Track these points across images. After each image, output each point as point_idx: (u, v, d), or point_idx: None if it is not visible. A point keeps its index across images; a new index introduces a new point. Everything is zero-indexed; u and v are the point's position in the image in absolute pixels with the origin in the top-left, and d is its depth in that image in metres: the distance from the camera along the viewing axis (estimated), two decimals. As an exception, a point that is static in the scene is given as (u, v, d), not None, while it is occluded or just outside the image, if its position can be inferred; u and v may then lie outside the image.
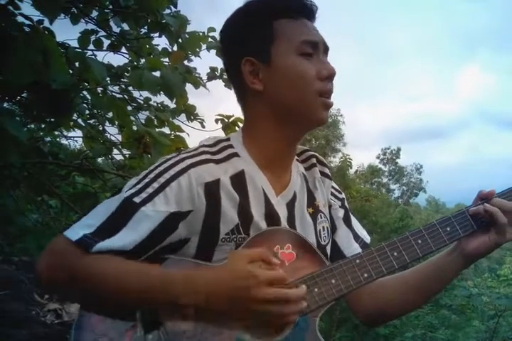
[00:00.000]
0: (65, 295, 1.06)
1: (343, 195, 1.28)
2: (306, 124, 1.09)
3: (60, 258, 0.94)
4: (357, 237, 1.25)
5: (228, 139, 1.10)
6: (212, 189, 0.99)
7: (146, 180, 0.99)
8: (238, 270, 0.88)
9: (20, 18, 1.65)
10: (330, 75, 1.05)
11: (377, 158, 37.79)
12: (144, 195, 0.96)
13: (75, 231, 0.94)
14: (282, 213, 1.08)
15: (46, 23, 1.76)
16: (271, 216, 1.05)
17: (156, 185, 0.97)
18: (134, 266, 0.93)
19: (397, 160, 37.61)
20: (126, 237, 0.93)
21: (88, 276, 0.92)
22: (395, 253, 1.06)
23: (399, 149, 37.58)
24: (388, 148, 37.68)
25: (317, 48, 1.05)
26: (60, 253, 0.94)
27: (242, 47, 1.06)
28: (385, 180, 36.89)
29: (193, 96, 2.74)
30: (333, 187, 1.25)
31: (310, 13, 1.08)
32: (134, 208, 0.95)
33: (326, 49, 1.08)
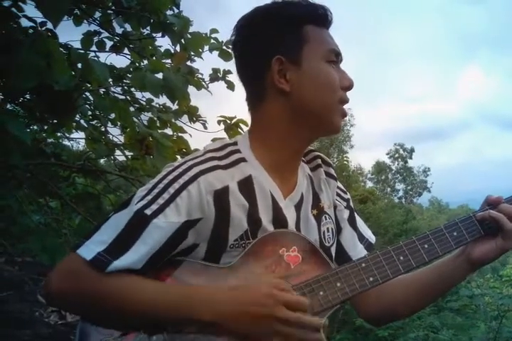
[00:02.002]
0: (76, 313, 1.06)
1: (348, 196, 1.27)
2: (322, 130, 1.10)
3: (75, 279, 0.93)
4: (361, 238, 1.26)
5: (235, 143, 1.09)
6: (221, 196, 0.98)
7: (156, 190, 0.97)
8: (263, 290, 0.92)
9: (23, 20, 1.66)
10: (350, 86, 1.09)
11: (387, 154, 37.50)
12: (154, 207, 0.95)
13: (89, 249, 0.93)
14: (291, 216, 1.08)
15: (49, 25, 1.77)
16: (279, 220, 1.05)
17: (166, 195, 0.96)
18: (153, 286, 0.94)
19: (408, 160, 37.35)
20: (140, 251, 0.93)
21: (106, 299, 0.92)
22: (401, 258, 1.06)
23: (412, 149, 37.29)
24: (402, 145, 37.43)
25: (339, 58, 1.09)
26: (76, 275, 0.93)
27: (273, 45, 1.05)
28: (390, 178, 36.71)
29: (195, 97, 2.75)
30: (338, 188, 1.24)
31: (330, 23, 1.11)
32: (146, 221, 0.94)
33: (342, 60, 1.11)
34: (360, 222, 1.28)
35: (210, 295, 0.93)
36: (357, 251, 1.23)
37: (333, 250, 1.18)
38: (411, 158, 37.25)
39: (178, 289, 0.95)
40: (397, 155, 37.40)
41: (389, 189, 36.60)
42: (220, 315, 0.90)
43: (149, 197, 0.96)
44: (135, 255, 0.92)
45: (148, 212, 0.94)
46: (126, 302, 0.92)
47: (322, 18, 1.08)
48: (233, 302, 0.91)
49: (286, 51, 1.04)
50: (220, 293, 0.93)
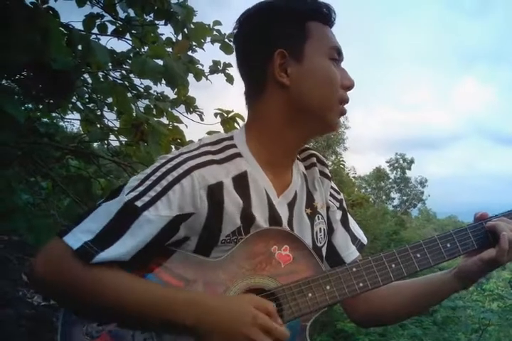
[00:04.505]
0: (56, 300, 1.05)
1: (341, 196, 1.27)
2: (319, 127, 1.09)
3: (59, 268, 0.92)
4: (354, 239, 1.25)
5: (231, 138, 1.07)
6: (215, 192, 0.97)
7: (148, 182, 0.96)
8: (243, 308, 0.91)
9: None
10: (351, 86, 1.08)
11: (388, 162, 37.86)
12: (146, 199, 0.93)
13: (76, 237, 0.92)
14: (284, 214, 1.08)
15: (51, 3, 1.76)
16: (273, 218, 1.04)
17: (158, 188, 0.94)
18: (140, 285, 0.93)
19: (407, 171, 37.80)
20: (128, 244, 0.92)
21: (91, 292, 0.91)
22: (393, 265, 1.06)
23: (412, 160, 37.71)
24: (403, 155, 37.81)
25: (340, 57, 1.08)
26: (60, 263, 0.92)
27: (276, 38, 1.03)
28: (388, 186, 37.11)
29: (194, 88, 2.75)
30: (332, 188, 1.23)
31: (333, 21, 1.10)
32: (136, 213, 0.92)
33: (343, 59, 1.10)
34: (352, 223, 1.28)
35: (198, 301, 0.92)
36: (349, 252, 1.22)
37: (324, 250, 1.18)
38: (410, 168, 37.65)
39: (165, 290, 0.94)
40: (396, 164, 37.72)
41: (384, 197, 36.84)
42: (202, 322, 0.90)
43: (141, 189, 0.95)
44: (122, 247, 0.91)
45: (139, 203, 0.93)
46: (105, 297, 0.91)
47: (326, 16, 1.08)
48: (217, 313, 0.91)
49: (289, 45, 1.03)
50: (208, 301, 0.92)
